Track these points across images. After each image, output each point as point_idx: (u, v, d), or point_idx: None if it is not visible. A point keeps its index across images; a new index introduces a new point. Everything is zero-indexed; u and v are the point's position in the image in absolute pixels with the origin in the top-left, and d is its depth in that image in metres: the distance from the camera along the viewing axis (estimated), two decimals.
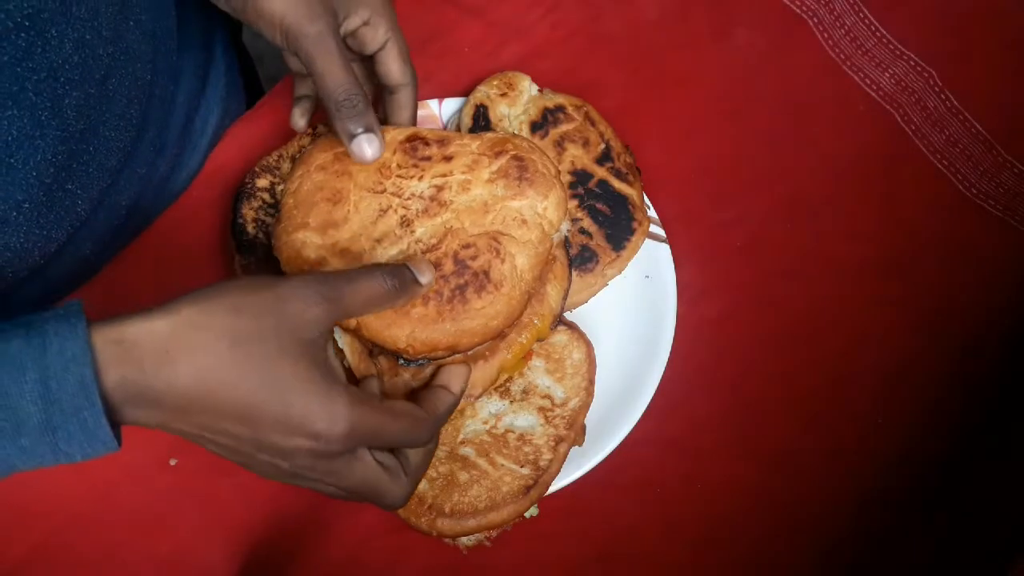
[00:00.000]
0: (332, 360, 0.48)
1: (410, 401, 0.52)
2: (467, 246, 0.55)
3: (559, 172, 0.59)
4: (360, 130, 0.56)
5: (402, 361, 0.56)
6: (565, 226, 0.60)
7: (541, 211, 0.56)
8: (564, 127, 0.71)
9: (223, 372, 0.43)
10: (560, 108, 0.72)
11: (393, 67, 0.62)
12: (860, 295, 0.74)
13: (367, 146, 0.56)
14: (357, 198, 0.57)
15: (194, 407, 0.43)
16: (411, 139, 0.58)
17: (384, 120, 0.65)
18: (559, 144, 0.70)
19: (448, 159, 0.57)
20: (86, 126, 0.56)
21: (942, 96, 0.78)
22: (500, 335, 0.57)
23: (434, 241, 0.55)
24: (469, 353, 0.57)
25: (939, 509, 0.69)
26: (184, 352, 0.42)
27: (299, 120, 0.67)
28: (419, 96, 0.66)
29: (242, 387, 0.43)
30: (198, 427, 0.45)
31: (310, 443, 0.44)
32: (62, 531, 0.65)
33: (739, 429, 0.71)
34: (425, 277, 0.52)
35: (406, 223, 0.56)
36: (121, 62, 0.58)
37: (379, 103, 0.66)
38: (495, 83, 0.73)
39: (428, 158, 0.57)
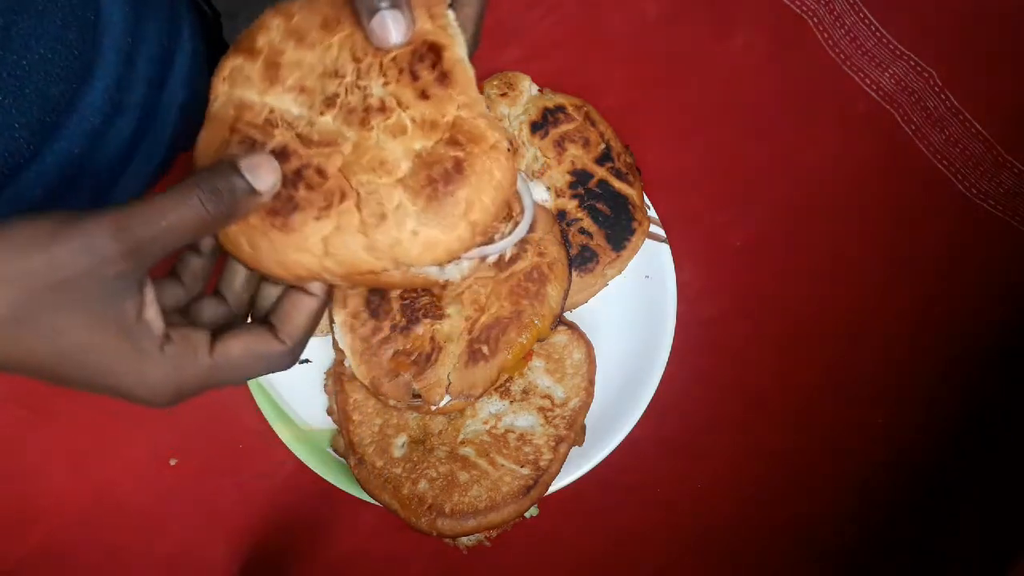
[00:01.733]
0: (148, 312, 0.41)
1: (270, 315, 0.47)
2: (320, 172, 0.44)
3: (483, 229, 0.46)
4: (384, 3, 0.45)
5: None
6: (453, 272, 0.49)
7: (408, 232, 0.44)
8: (564, 127, 0.71)
9: (8, 352, 0.39)
10: (560, 108, 0.72)
11: None
12: (860, 295, 0.74)
13: (391, 24, 0.45)
14: (335, 43, 0.47)
15: None
16: (432, 48, 0.47)
17: None
18: (559, 144, 0.70)
19: (425, 97, 0.46)
20: (5, 24, 0.55)
21: (942, 96, 0.78)
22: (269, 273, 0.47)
23: (317, 139, 0.45)
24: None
25: (939, 509, 0.69)
26: None
27: None
28: None
29: (41, 360, 0.40)
30: None
31: (137, 403, 0.42)
32: (63, 531, 0.65)
33: (739, 429, 0.71)
34: (264, 182, 0.42)
35: (328, 103, 0.46)
36: None
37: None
38: (495, 83, 0.73)
39: (416, 78, 0.46)
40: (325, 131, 0.45)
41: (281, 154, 0.44)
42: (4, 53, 0.56)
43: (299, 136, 0.45)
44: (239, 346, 0.44)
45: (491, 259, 0.59)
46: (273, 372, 0.47)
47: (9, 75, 0.56)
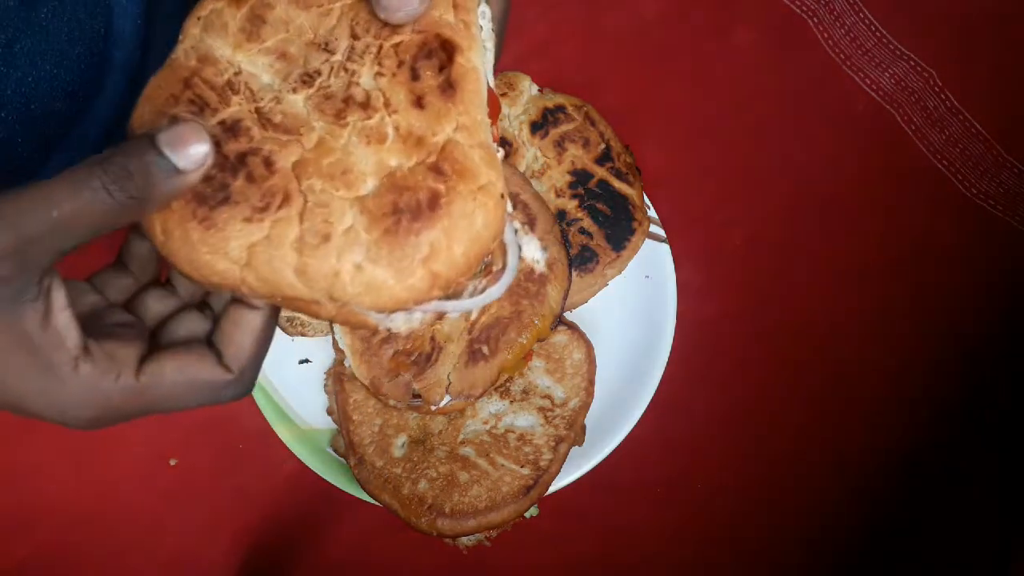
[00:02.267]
0: (56, 320, 0.35)
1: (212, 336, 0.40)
2: (268, 163, 0.36)
3: (445, 283, 0.37)
4: None
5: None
6: (398, 322, 0.40)
7: (351, 265, 0.36)
8: (564, 127, 0.71)
9: None
10: (560, 108, 0.72)
11: None
12: (860, 295, 0.74)
13: None
14: (335, 10, 0.39)
15: None
16: (445, 46, 0.38)
17: None
18: (559, 144, 0.70)
19: (420, 105, 0.38)
20: (8, 41, 0.54)
21: (942, 96, 0.78)
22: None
23: (278, 120, 0.37)
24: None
25: (940, 508, 0.69)
26: None
27: None
28: None
29: None
30: None
31: (52, 423, 0.38)
32: (63, 531, 0.65)
33: (739, 429, 0.71)
34: (189, 159, 0.34)
35: (306, 80, 0.38)
36: None
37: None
38: (495, 83, 0.73)
39: (416, 78, 0.38)
40: (291, 113, 0.38)
41: (231, 129, 0.37)
42: (8, 70, 0.55)
43: (258, 112, 0.37)
44: (174, 368, 0.38)
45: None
46: (220, 403, 0.40)
47: (14, 92, 0.55)
